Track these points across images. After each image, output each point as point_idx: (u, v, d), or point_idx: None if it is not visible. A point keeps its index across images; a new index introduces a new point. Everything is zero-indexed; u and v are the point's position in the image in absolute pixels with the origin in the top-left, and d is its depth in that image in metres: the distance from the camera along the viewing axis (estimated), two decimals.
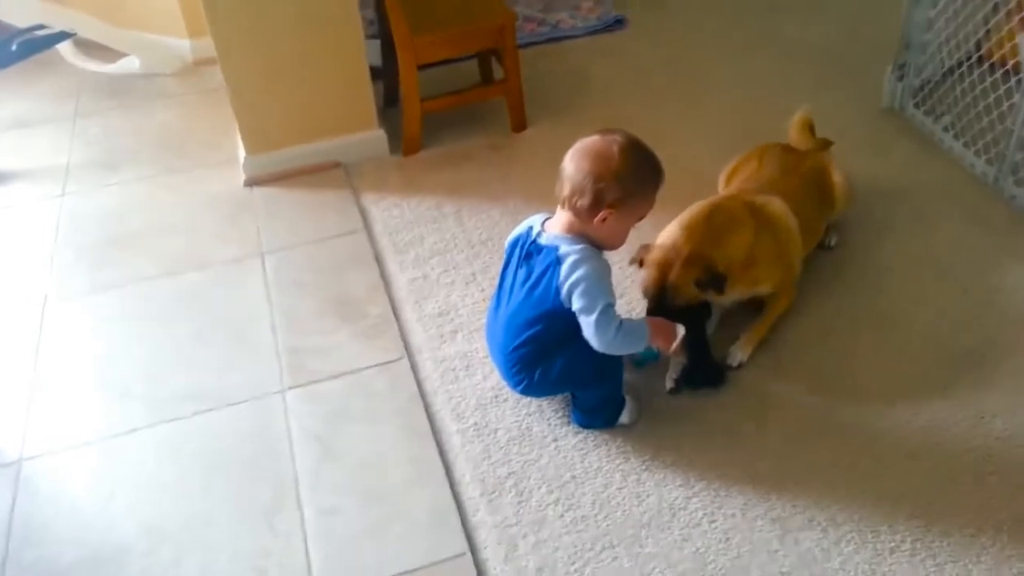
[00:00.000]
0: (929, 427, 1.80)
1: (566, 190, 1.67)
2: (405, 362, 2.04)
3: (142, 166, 2.86)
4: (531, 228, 1.77)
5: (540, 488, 1.73)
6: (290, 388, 2.00)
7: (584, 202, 1.65)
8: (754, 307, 2.05)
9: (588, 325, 1.65)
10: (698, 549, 1.60)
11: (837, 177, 2.22)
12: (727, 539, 1.62)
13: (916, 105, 2.71)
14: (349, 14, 2.55)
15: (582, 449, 1.81)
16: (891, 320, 2.07)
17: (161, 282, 2.36)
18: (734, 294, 1.99)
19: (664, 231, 1.98)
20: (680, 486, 1.72)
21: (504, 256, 1.82)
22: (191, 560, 1.65)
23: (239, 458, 1.85)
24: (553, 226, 1.73)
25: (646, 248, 1.93)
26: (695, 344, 1.93)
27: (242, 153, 2.71)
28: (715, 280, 1.85)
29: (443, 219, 2.52)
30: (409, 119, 2.77)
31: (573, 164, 1.66)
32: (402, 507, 1.71)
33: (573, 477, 1.75)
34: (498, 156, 2.81)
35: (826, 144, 2.32)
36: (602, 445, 1.81)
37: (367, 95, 2.72)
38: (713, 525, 1.64)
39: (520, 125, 2.90)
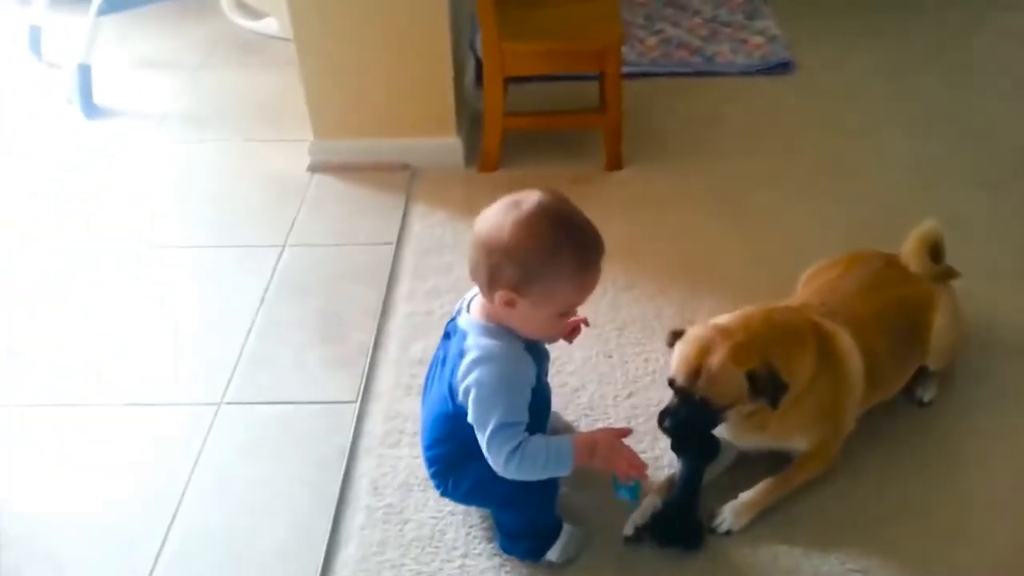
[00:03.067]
0: None
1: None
2: (354, 408, 1.78)
3: (227, 129, 2.81)
4: (464, 302, 1.45)
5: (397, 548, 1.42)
6: (228, 403, 1.81)
7: (480, 280, 1.33)
8: (774, 457, 1.59)
9: (481, 444, 1.31)
10: None
11: (941, 320, 1.67)
12: None
13: None
14: (437, 11, 2.31)
15: None
16: (962, 524, 1.52)
17: (174, 254, 2.28)
18: (760, 439, 1.55)
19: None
20: None
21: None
22: (31, 570, 1.51)
23: (140, 466, 1.69)
24: (476, 306, 1.40)
25: (689, 324, 1.51)
26: (688, 483, 1.52)
27: (311, 136, 2.57)
28: (775, 382, 1.40)
29: None
30: (488, 133, 2.51)
31: (474, 230, 1.33)
32: None
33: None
34: (579, 192, 2.37)
35: (947, 274, 1.76)
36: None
37: (447, 99, 2.47)
38: None
39: (615, 163, 2.53)
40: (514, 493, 1.39)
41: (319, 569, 1.48)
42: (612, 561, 1.49)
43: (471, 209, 2.36)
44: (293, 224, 2.36)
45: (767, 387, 1.40)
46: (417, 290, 2.11)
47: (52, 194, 2.53)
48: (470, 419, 1.32)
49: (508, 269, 1.28)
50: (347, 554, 1.51)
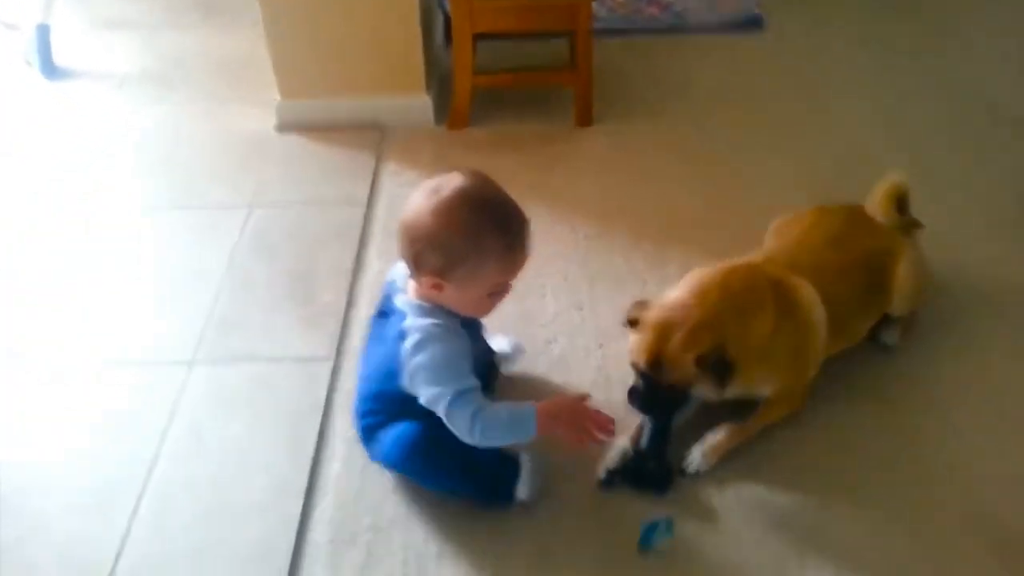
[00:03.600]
0: None
1: None
2: (329, 364, 1.79)
3: (191, 90, 2.78)
4: (395, 280, 1.49)
5: (395, 557, 1.44)
6: (200, 362, 1.81)
7: (408, 266, 1.38)
8: (744, 404, 1.62)
9: (444, 418, 1.36)
10: None
11: (904, 270, 1.71)
12: None
13: None
14: None
15: (469, 519, 1.49)
16: (923, 464, 1.57)
17: (141, 216, 2.26)
18: (728, 390, 1.58)
19: (669, 294, 1.59)
20: None
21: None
22: (9, 526, 1.50)
23: (115, 425, 1.69)
24: (411, 286, 1.44)
25: (643, 305, 1.54)
26: (656, 435, 1.55)
27: (277, 96, 2.54)
28: (720, 366, 1.45)
29: None
30: (458, 91, 2.49)
31: (400, 217, 1.37)
32: (236, 534, 1.48)
33: (439, 554, 1.45)
34: (549, 149, 2.47)
35: (911, 225, 1.80)
36: (495, 520, 1.49)
37: (416, 56, 2.46)
38: None
39: (584, 119, 2.54)
40: (443, 463, 1.44)
41: (298, 519, 1.49)
42: (587, 503, 1.51)
43: (442, 167, 2.34)
44: (261, 185, 2.34)
45: (714, 370, 1.45)
46: (389, 249, 2.11)
47: (15, 155, 2.49)
48: (423, 401, 1.36)
49: (431, 256, 1.31)
50: (326, 503, 1.53)
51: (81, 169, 2.44)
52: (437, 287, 1.36)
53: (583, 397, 1.47)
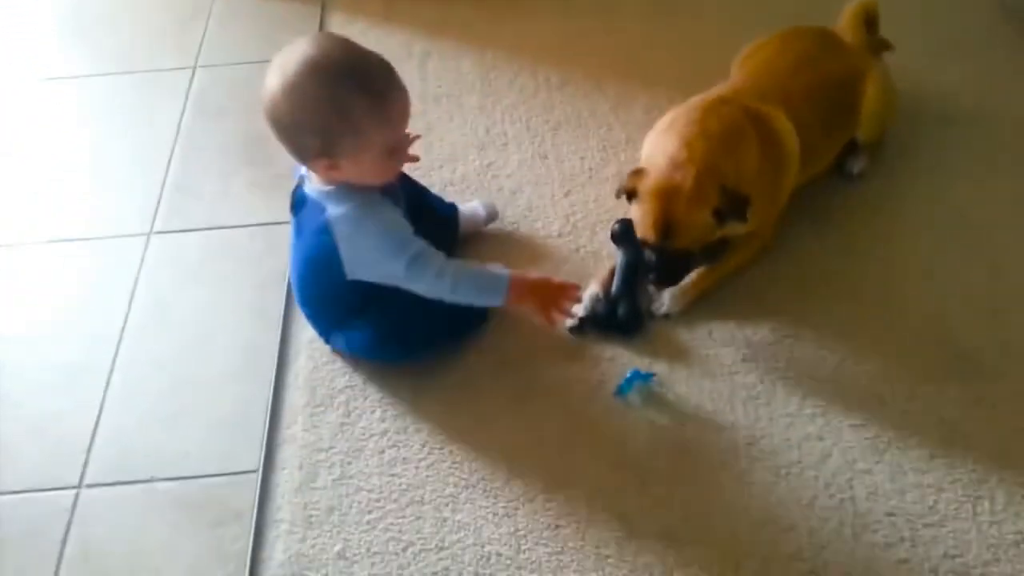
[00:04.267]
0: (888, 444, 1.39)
1: None
2: (288, 228, 1.74)
3: None
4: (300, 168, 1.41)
5: (373, 412, 1.46)
6: (157, 232, 1.76)
7: (292, 155, 1.30)
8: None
9: (410, 289, 1.35)
10: (517, 530, 1.32)
11: (873, 92, 1.66)
12: (555, 526, 1.32)
13: None
14: None
15: (443, 368, 1.50)
16: (889, 290, 1.59)
17: (80, 83, 2.13)
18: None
19: (649, 144, 1.52)
20: (527, 446, 1.40)
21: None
22: None
23: (75, 302, 1.65)
24: (311, 174, 1.36)
25: (638, 174, 1.45)
26: (626, 276, 1.55)
27: None
28: (737, 204, 1.40)
29: (407, 61, 2.12)
30: None
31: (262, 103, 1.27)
32: (211, 401, 1.48)
33: (414, 404, 1.46)
34: None
35: (881, 46, 1.74)
36: (469, 368, 1.50)
37: None
38: (548, 506, 1.34)
39: None
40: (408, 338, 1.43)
41: (272, 383, 1.50)
42: (560, 352, 1.53)
43: (391, 17, 2.25)
44: (202, 44, 2.20)
45: (735, 213, 1.41)
46: None
47: None
48: (379, 281, 1.33)
49: (306, 140, 1.23)
50: (298, 366, 1.53)
51: (11, 33, 2.27)
52: (332, 167, 1.28)
53: (568, 285, 1.42)
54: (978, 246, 1.65)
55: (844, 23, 1.73)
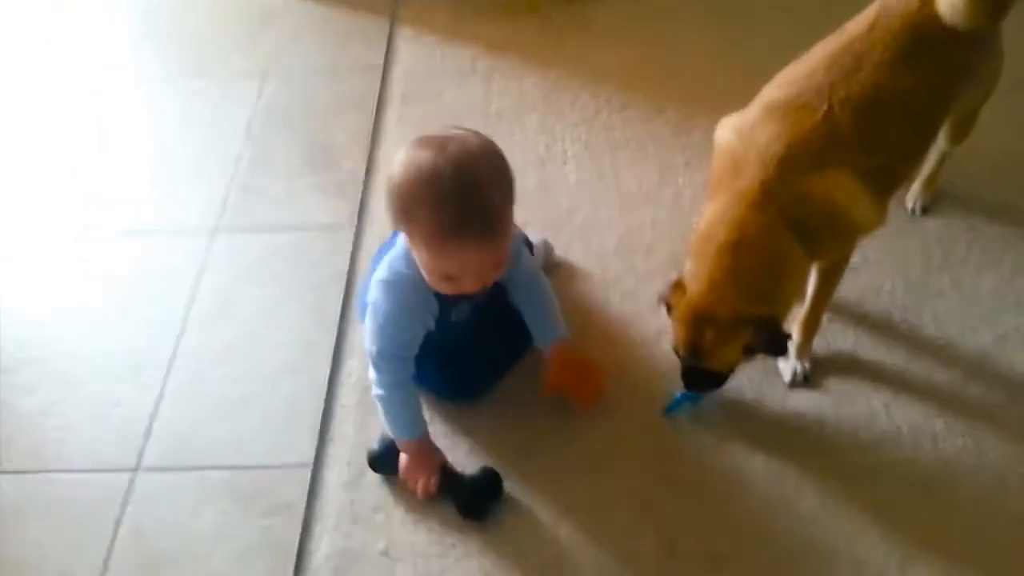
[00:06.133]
0: None
1: None
2: (350, 232, 1.79)
3: None
4: None
5: (432, 420, 1.47)
6: (223, 230, 1.81)
7: None
8: None
9: None
10: (559, 540, 1.32)
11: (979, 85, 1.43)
12: (599, 542, 1.32)
13: None
14: None
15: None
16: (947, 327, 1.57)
17: (157, 87, 2.22)
18: None
19: (694, 248, 1.34)
20: (573, 459, 1.41)
21: None
22: (40, 392, 1.56)
23: (139, 293, 1.71)
24: None
25: (677, 288, 1.33)
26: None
27: None
28: (774, 342, 1.29)
29: (472, 76, 2.16)
30: None
31: None
32: (269, 394, 1.52)
33: (461, 415, 1.48)
34: (569, 14, 2.35)
35: (1002, 5, 1.31)
36: (517, 385, 1.52)
37: None
38: (593, 521, 1.34)
39: None
40: None
41: (326, 381, 1.53)
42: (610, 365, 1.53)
43: (458, 32, 2.29)
44: (274, 54, 2.27)
45: (771, 351, 1.32)
46: (407, 116, 2.06)
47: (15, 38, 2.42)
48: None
49: (389, 202, 1.23)
50: (351, 366, 1.56)
51: (89, 40, 2.38)
52: (407, 235, 1.26)
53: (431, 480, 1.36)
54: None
55: None
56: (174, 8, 2.47)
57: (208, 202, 1.87)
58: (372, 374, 1.36)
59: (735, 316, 1.27)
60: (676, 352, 1.37)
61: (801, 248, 1.29)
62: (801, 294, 1.42)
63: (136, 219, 1.86)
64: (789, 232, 1.27)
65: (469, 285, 1.26)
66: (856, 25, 1.38)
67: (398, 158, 1.22)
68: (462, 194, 1.17)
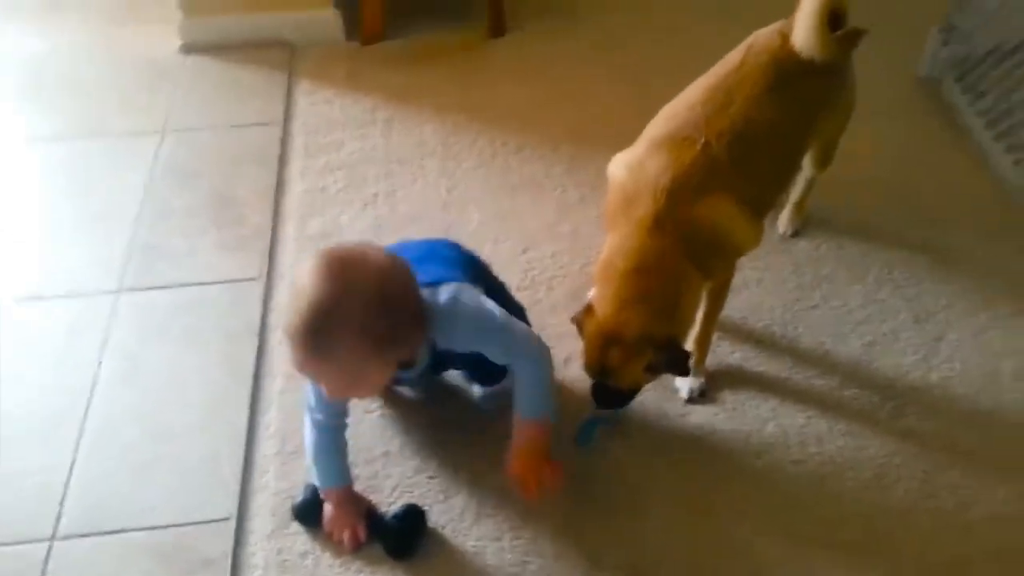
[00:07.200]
0: None
1: None
2: (260, 284, 1.81)
3: (85, 11, 2.63)
4: None
5: (355, 463, 1.50)
6: (127, 290, 1.80)
7: None
8: None
9: None
10: (486, 567, 1.38)
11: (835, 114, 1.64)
12: (523, 562, 1.38)
13: (956, 79, 2.24)
14: None
15: (418, 416, 1.57)
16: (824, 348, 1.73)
17: (47, 146, 2.18)
18: None
19: (598, 271, 1.44)
20: (495, 487, 1.47)
21: None
22: None
23: (46, 357, 1.68)
24: None
25: (587, 312, 1.42)
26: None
27: (180, 14, 2.45)
28: (674, 361, 1.40)
29: (371, 125, 2.23)
30: (367, 3, 2.45)
31: None
32: (185, 451, 1.52)
33: (386, 453, 1.53)
34: (463, 61, 2.47)
35: (851, 39, 1.51)
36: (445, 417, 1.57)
37: None
38: (516, 544, 1.41)
39: (497, 29, 2.54)
40: None
41: (244, 432, 1.54)
42: None
43: (357, 84, 2.36)
44: (171, 109, 2.28)
45: (672, 369, 1.43)
46: (309, 168, 2.11)
47: None
48: None
49: None
50: (270, 417, 1.58)
51: None
52: None
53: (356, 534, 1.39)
54: None
55: (803, 19, 1.48)
56: (63, 64, 2.45)
57: (109, 262, 1.85)
58: (307, 417, 1.38)
59: (640, 337, 1.36)
60: (587, 371, 1.46)
61: (694, 268, 1.41)
62: (695, 314, 1.53)
63: (31, 284, 1.82)
64: (684, 256, 1.40)
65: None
66: (727, 63, 1.55)
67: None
68: (304, 300, 1.16)
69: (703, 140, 1.43)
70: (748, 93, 1.48)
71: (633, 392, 1.49)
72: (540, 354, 1.40)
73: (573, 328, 1.46)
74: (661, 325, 1.38)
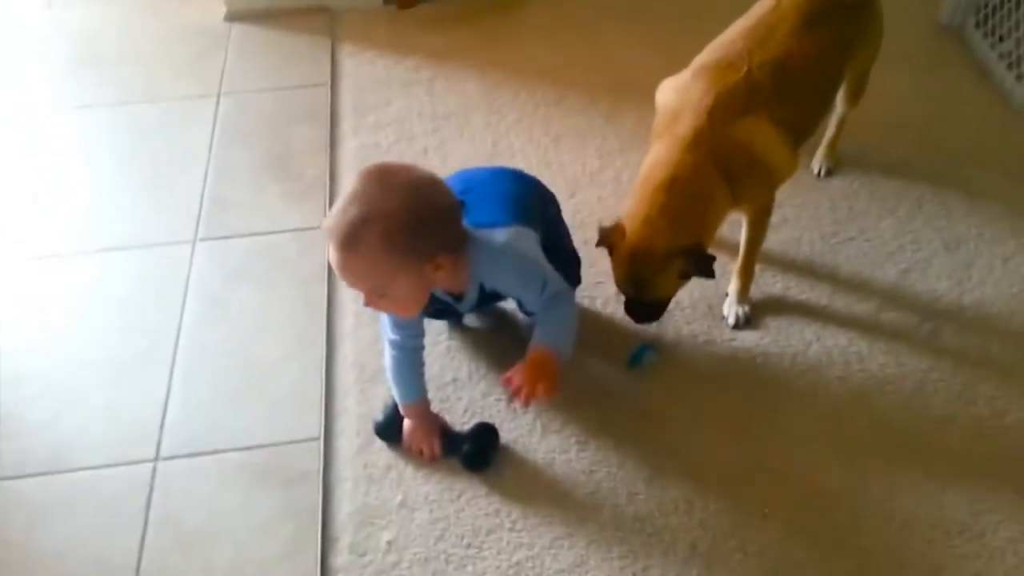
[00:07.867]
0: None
1: None
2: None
3: None
4: None
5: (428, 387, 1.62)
6: (202, 239, 1.92)
7: None
8: None
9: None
10: (556, 476, 1.49)
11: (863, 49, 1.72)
12: (590, 471, 1.50)
13: (977, 24, 2.32)
14: None
15: (474, 345, 1.69)
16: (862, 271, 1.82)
17: (111, 111, 2.29)
18: None
19: (634, 191, 1.55)
20: (561, 406, 1.59)
21: None
22: (48, 399, 1.63)
23: (129, 303, 1.80)
24: None
25: (616, 231, 1.51)
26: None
27: None
28: (703, 268, 1.48)
29: (416, 84, 2.33)
30: None
31: None
32: (272, 380, 1.64)
33: (455, 380, 1.64)
34: (498, 20, 2.56)
35: None
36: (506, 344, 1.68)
37: None
38: (582, 455, 1.52)
39: None
40: None
41: (323, 363, 1.66)
42: None
43: (398, 46, 2.45)
44: (223, 73, 2.38)
45: (701, 274, 1.50)
46: (360, 126, 2.21)
47: None
48: None
49: None
50: (345, 350, 1.69)
51: (37, 68, 2.43)
52: None
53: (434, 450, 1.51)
54: None
55: None
56: (111, 35, 2.54)
57: (183, 214, 1.97)
58: (385, 343, 1.50)
59: (669, 248, 1.47)
60: (619, 287, 1.57)
61: (726, 187, 1.51)
62: (719, 228, 1.58)
63: (114, 236, 1.93)
64: (717, 171, 1.49)
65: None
66: (764, 3, 1.67)
67: None
68: (341, 200, 1.27)
69: (746, 68, 1.54)
70: (787, 28, 1.59)
71: (663, 304, 1.59)
72: (570, 308, 1.49)
73: None
74: (688, 235, 1.48)
